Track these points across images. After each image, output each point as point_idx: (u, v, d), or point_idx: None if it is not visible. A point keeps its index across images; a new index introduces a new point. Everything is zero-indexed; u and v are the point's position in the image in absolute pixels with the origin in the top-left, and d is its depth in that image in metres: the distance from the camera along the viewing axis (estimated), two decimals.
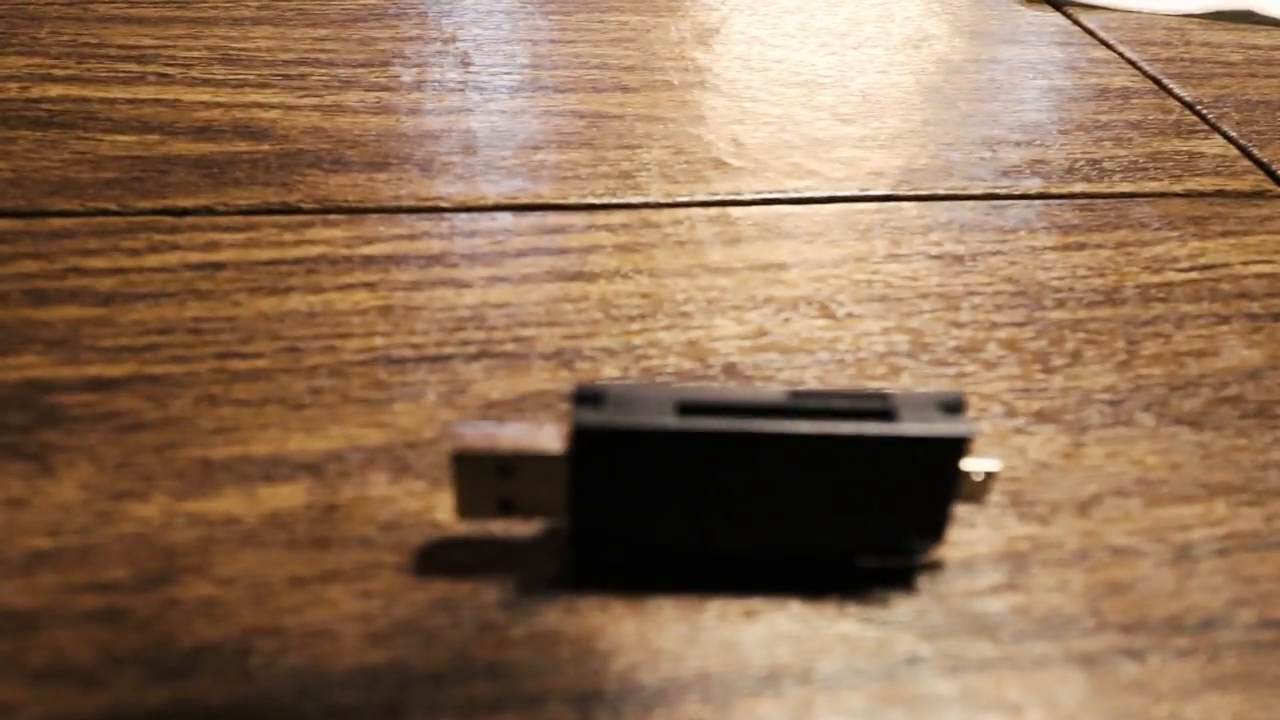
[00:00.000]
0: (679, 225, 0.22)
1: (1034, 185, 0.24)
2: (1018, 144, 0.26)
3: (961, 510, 0.15)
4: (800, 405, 0.13)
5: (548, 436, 0.13)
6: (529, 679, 0.13)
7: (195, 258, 0.19)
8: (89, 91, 0.25)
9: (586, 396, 0.13)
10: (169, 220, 0.20)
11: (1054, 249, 0.22)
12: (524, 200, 0.22)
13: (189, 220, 0.20)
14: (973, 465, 0.14)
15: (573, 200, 0.22)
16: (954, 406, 0.13)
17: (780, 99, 0.28)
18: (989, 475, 0.14)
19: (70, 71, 0.25)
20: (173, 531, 0.14)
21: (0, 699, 0.12)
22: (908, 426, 0.13)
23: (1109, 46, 0.33)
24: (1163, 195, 0.25)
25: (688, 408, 0.13)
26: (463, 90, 0.26)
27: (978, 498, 0.14)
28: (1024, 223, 0.23)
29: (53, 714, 0.12)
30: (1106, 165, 0.26)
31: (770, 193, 0.23)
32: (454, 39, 0.29)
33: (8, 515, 0.14)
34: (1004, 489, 0.16)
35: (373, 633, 0.13)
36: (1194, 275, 0.22)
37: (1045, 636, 0.14)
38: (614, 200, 0.22)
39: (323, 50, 0.28)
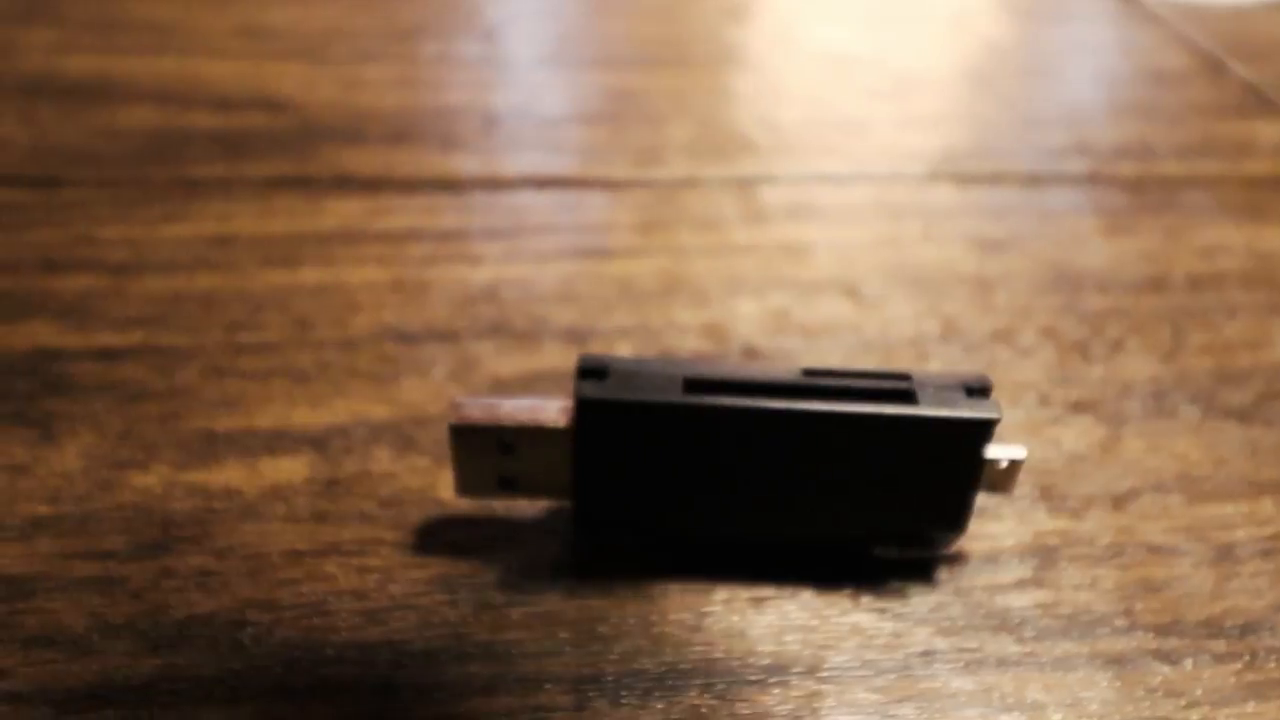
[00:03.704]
0: (702, 203, 0.21)
1: (1079, 167, 0.23)
2: (1063, 124, 0.25)
3: (987, 501, 0.15)
4: (814, 384, 0.12)
5: (551, 412, 0.13)
6: (526, 661, 0.12)
7: (209, 229, 0.19)
8: (110, 63, 0.24)
9: (591, 370, 0.12)
10: (184, 191, 0.20)
11: (1099, 233, 0.21)
12: (543, 176, 0.22)
13: (204, 192, 0.20)
14: (997, 452, 0.13)
15: (593, 176, 0.22)
16: (979, 389, 0.12)
17: (814, 77, 0.27)
18: (1014, 463, 0.13)
19: (93, 43, 0.25)
20: (172, 502, 0.14)
21: None
22: (928, 408, 0.12)
23: (1166, 25, 0.32)
24: (1217, 179, 0.23)
25: (695, 384, 0.12)
26: (486, 65, 0.26)
27: (1003, 487, 0.13)
28: (1067, 206, 0.22)
29: (42, 680, 0.12)
30: (1158, 147, 0.25)
31: (798, 172, 0.23)
32: (479, 13, 0.29)
33: (9, 481, 0.14)
34: (1035, 481, 0.15)
35: (368, 609, 0.13)
36: (1248, 263, 0.21)
37: (1071, 635, 0.13)
38: (636, 177, 0.22)
39: (345, 24, 0.27)
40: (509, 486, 0.13)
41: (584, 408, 0.12)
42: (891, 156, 0.23)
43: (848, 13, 0.31)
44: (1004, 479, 0.13)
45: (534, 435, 0.13)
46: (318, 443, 0.15)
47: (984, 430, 0.12)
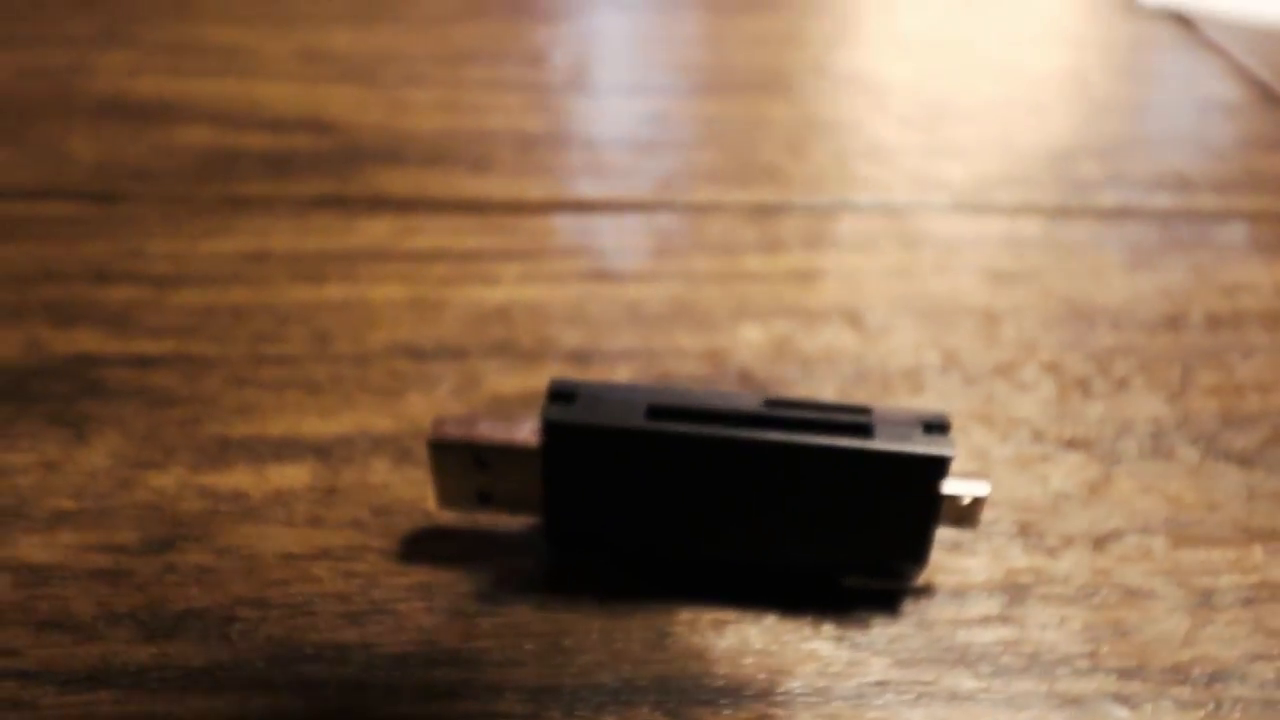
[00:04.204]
0: (720, 230, 0.22)
1: (1110, 200, 0.23)
2: (1101, 156, 0.25)
3: (961, 536, 0.15)
4: (774, 414, 0.13)
5: (524, 432, 0.13)
6: (490, 669, 0.13)
7: (247, 245, 0.20)
8: (176, 85, 0.26)
9: (560, 394, 0.13)
10: (229, 208, 0.22)
11: (1120, 268, 0.21)
12: (567, 200, 0.22)
13: (247, 209, 0.22)
14: (960, 488, 0.13)
15: (616, 201, 0.22)
16: (937, 426, 0.13)
17: (849, 105, 0.27)
18: (977, 500, 0.13)
19: (163, 66, 0.27)
20: (183, 502, 0.15)
21: (5, 643, 0.13)
22: (882, 443, 0.12)
23: (1225, 55, 0.31)
24: (1255, 215, 0.23)
25: (658, 410, 0.13)
26: (528, 90, 0.27)
27: (968, 522, 0.14)
28: (1091, 239, 0.22)
29: (49, 661, 0.13)
30: (1197, 180, 0.24)
31: (819, 200, 0.23)
32: (528, 39, 0.30)
33: (41, 477, 0.15)
34: (1014, 518, 0.15)
35: (349, 611, 0.14)
36: (1273, 303, 0.20)
37: (1031, 674, 0.13)
38: (658, 201, 0.22)
39: (399, 48, 0.29)
40: (486, 501, 0.14)
41: (550, 430, 0.13)
42: (917, 186, 0.23)
43: (886, 39, 0.31)
44: (968, 514, 0.13)
45: (507, 453, 0.13)
46: (322, 451, 0.16)
47: (938, 467, 0.12)
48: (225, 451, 0.16)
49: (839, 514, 0.13)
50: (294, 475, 0.15)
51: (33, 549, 0.14)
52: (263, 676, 0.13)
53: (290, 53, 0.28)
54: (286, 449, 0.16)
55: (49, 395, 0.17)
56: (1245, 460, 0.16)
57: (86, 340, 0.18)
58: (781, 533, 0.13)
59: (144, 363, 0.17)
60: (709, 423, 0.13)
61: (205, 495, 0.15)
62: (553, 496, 0.13)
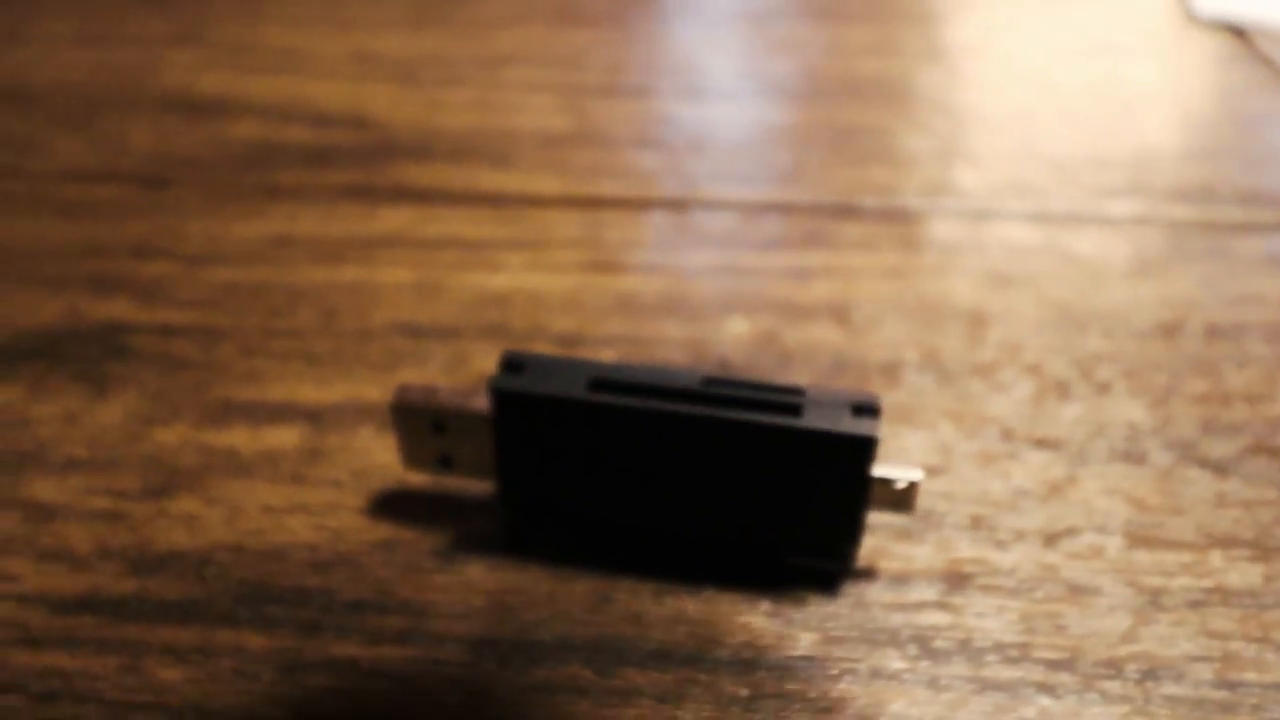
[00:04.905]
0: (721, 227, 0.22)
1: (1127, 209, 0.23)
2: (1129, 165, 0.25)
3: (911, 525, 0.15)
4: (710, 391, 0.13)
5: (480, 399, 0.14)
6: (437, 620, 0.14)
7: (275, 229, 0.22)
8: (234, 81, 0.28)
9: (512, 363, 0.14)
10: (265, 195, 0.23)
11: (1123, 277, 0.21)
12: (578, 195, 0.23)
13: (281, 197, 0.23)
14: (893, 473, 0.14)
15: (624, 198, 0.23)
16: (868, 409, 0.13)
17: (870, 110, 0.27)
18: (912, 484, 0.14)
19: (224, 63, 0.29)
20: (183, 455, 0.16)
21: (10, 570, 0.14)
22: (807, 422, 0.13)
23: (1276, 68, 0.30)
24: (1276, 228, 0.22)
25: (599, 383, 0.13)
26: (560, 92, 0.28)
27: (903, 507, 0.14)
28: (1098, 247, 0.22)
29: (44, 588, 0.14)
30: (1222, 192, 0.24)
31: (822, 200, 0.23)
32: (566, 43, 0.31)
33: (61, 427, 0.17)
34: (967, 510, 0.15)
35: (316, 561, 0.15)
36: (1277, 318, 0.20)
37: (959, 659, 0.13)
38: (665, 199, 0.23)
39: (444, 51, 0.30)
40: (447, 465, 0.15)
41: (496, 397, 0.13)
42: (928, 189, 0.24)
43: (920, 48, 0.31)
44: (903, 499, 0.14)
45: (462, 418, 0.14)
46: (313, 416, 0.17)
47: (864, 447, 0.13)
48: (227, 413, 0.17)
49: (774, 492, 0.13)
50: (285, 437, 0.17)
51: (44, 489, 0.16)
52: (229, 613, 0.14)
53: (343, 54, 0.30)
54: (282, 413, 0.17)
55: (79, 356, 0.18)
56: (1220, 468, 0.16)
57: (119, 309, 0.20)
58: (720, 508, 0.14)
59: (167, 331, 0.19)
60: (646, 396, 0.13)
61: (203, 451, 0.16)
62: (504, 462, 0.14)
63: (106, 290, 0.20)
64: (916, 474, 0.14)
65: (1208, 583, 0.14)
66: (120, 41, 0.30)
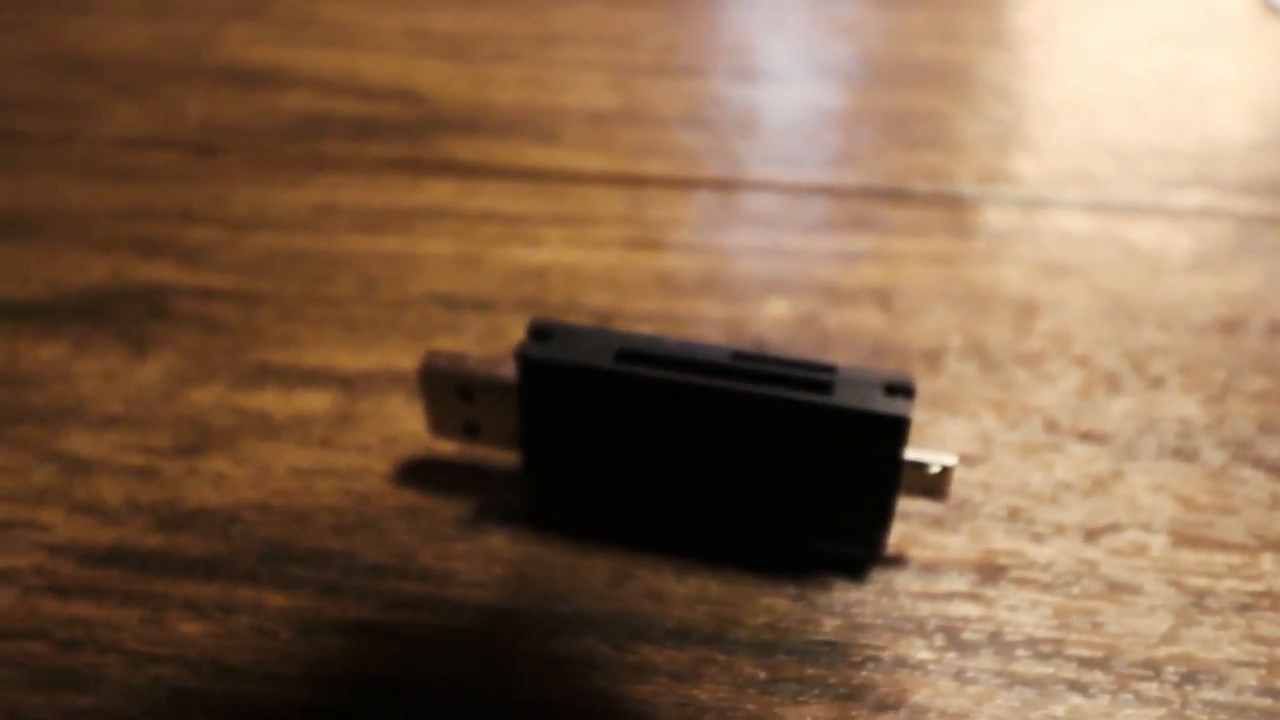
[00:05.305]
0: (766, 209, 0.22)
1: (1188, 200, 0.22)
2: (1197, 157, 0.24)
3: (945, 514, 0.15)
4: (739, 366, 0.13)
5: (507, 368, 0.14)
6: (455, 588, 0.14)
7: (319, 198, 0.22)
8: (288, 54, 0.28)
9: (540, 332, 0.14)
10: (310, 164, 0.23)
11: (1183, 270, 0.20)
12: (620, 174, 0.23)
13: (327, 166, 0.23)
14: (926, 457, 0.13)
15: (669, 176, 0.23)
16: (900, 389, 0.13)
17: (930, 95, 0.27)
18: (946, 469, 0.13)
19: (280, 37, 0.29)
20: (216, 416, 0.16)
21: (43, 519, 0.15)
22: (837, 400, 0.12)
23: None
24: None
25: (627, 354, 0.13)
26: (610, 70, 0.28)
27: (936, 493, 0.13)
28: (1159, 239, 0.21)
29: (76, 538, 0.14)
30: None
31: (872, 184, 0.23)
32: (620, 23, 0.31)
33: (101, 384, 0.17)
34: (1005, 502, 0.15)
35: (340, 524, 0.15)
36: None
37: (988, 651, 0.13)
38: (708, 179, 0.23)
39: (497, 28, 0.30)
40: (473, 433, 0.15)
41: (522, 363, 0.13)
42: (984, 176, 0.23)
43: (984, 34, 0.30)
44: (935, 485, 0.13)
45: (488, 385, 0.14)
46: (346, 382, 0.17)
47: (895, 429, 0.12)
48: (261, 376, 0.17)
49: (801, 472, 0.13)
50: (317, 401, 0.17)
51: (81, 444, 0.16)
52: (252, 571, 0.14)
53: (396, 29, 0.30)
54: (315, 378, 0.17)
55: (122, 316, 0.19)
56: (1277, 469, 0.16)
57: (163, 271, 0.20)
58: (746, 486, 0.14)
59: (208, 294, 0.19)
60: (674, 369, 0.13)
61: (236, 412, 0.16)
62: (529, 431, 0.14)
63: (152, 253, 0.20)
64: (950, 459, 0.13)
65: (1257, 586, 0.14)
66: (181, 14, 0.31)
